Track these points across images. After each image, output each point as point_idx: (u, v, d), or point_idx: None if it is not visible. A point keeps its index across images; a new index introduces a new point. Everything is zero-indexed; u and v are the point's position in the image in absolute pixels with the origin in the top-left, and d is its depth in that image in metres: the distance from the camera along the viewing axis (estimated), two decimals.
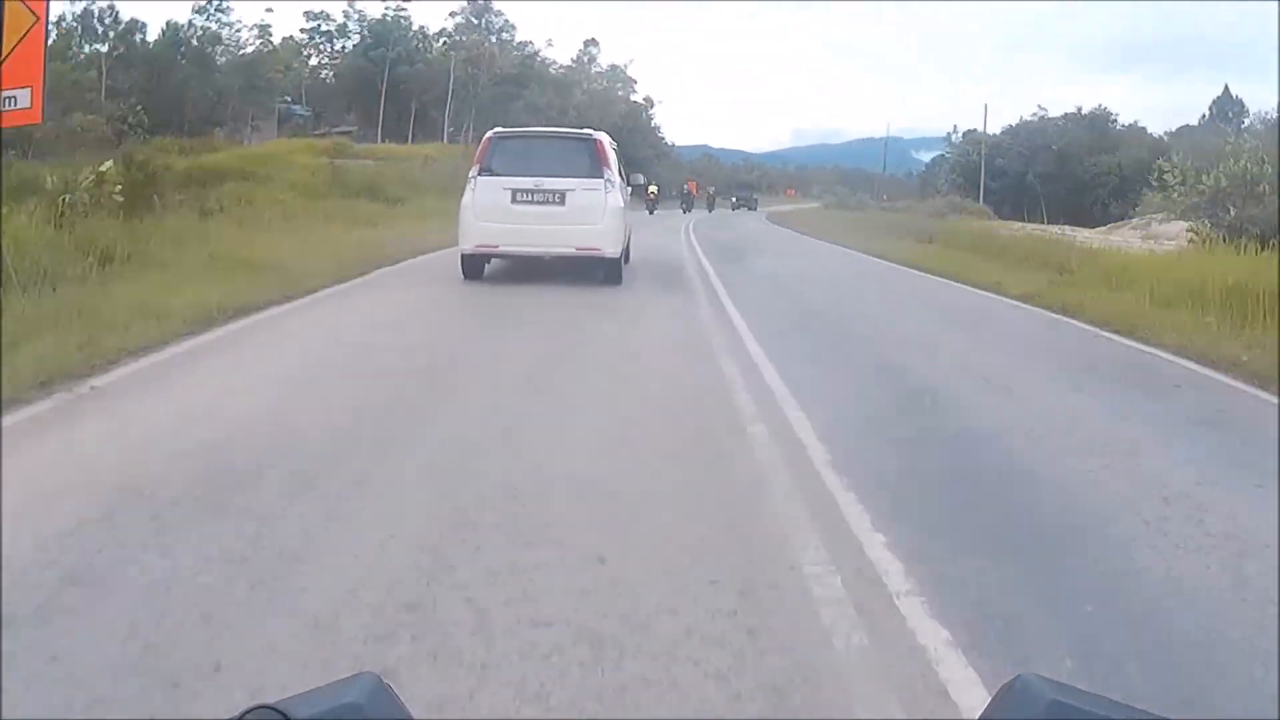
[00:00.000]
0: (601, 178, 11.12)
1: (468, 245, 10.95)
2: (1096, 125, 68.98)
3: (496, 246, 10.76)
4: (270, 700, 0.76)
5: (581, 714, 2.97)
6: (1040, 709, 0.79)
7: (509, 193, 10.97)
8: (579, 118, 30.23)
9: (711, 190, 62.02)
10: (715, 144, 68.22)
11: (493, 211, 10.76)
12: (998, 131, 68.72)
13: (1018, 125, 71.96)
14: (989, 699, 0.82)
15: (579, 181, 11.05)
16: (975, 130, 76.73)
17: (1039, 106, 64.66)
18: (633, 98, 39.72)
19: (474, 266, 10.83)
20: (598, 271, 11.05)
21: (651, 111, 42.22)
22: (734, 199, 71.52)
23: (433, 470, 4.36)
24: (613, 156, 10.92)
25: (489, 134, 11.45)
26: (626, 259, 11.20)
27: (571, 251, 10.86)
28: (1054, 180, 62.84)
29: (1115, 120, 73.76)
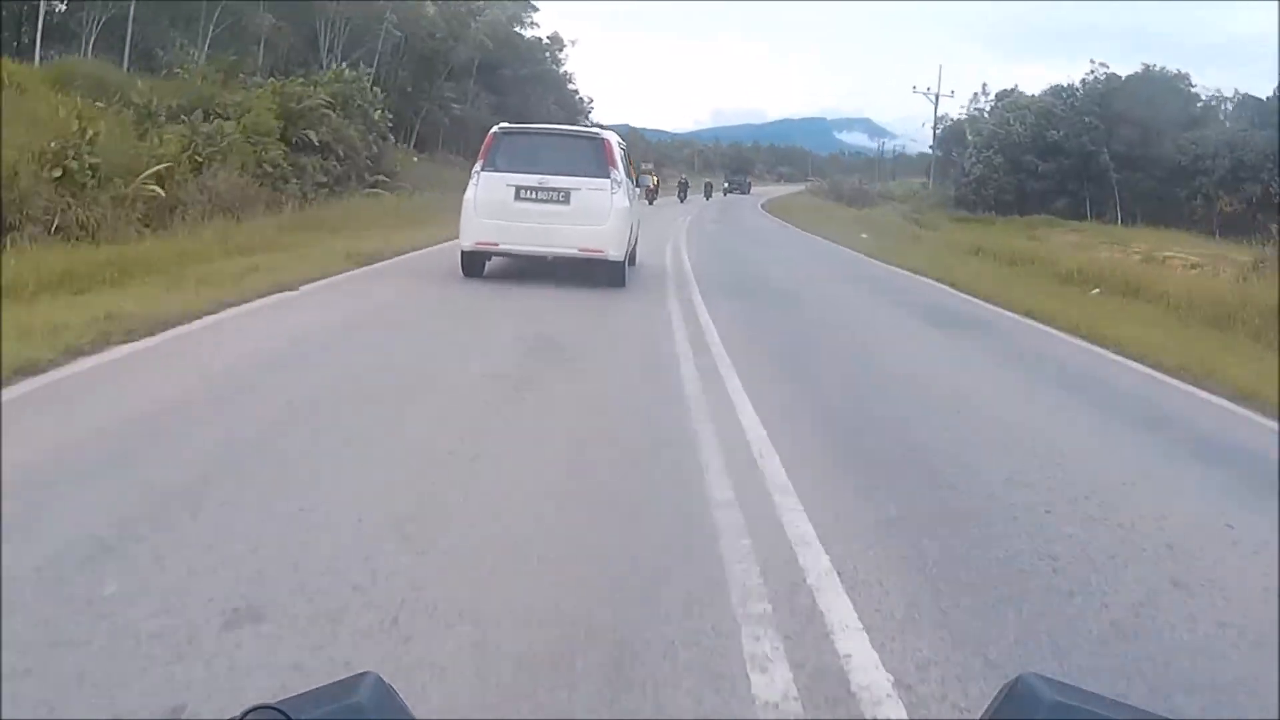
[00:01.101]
0: (608, 177, 10.29)
1: (468, 242, 10.24)
2: (1176, 91, 47.66)
3: (497, 244, 10.09)
4: (272, 701, 0.69)
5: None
6: (1042, 710, 0.71)
7: (512, 189, 10.12)
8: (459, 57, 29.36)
9: (708, 180, 61.75)
10: (637, 123, 67.49)
11: (494, 208, 9.98)
12: (1035, 93, 49.58)
13: (1072, 87, 52.25)
14: (990, 699, 0.79)
15: (585, 181, 10.21)
16: (1015, 90, 55.88)
17: (1095, 62, 52.66)
18: (533, 33, 39.99)
19: (474, 264, 10.26)
20: (600, 274, 10.17)
21: (562, 55, 42.79)
22: (726, 183, 67.16)
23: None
24: (620, 156, 10.44)
25: (494, 129, 10.64)
26: (632, 260, 10.53)
27: (574, 253, 10.09)
28: (1134, 164, 45.89)
29: (1193, 86, 49.18)
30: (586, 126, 27.68)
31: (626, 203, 9.86)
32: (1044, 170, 46.97)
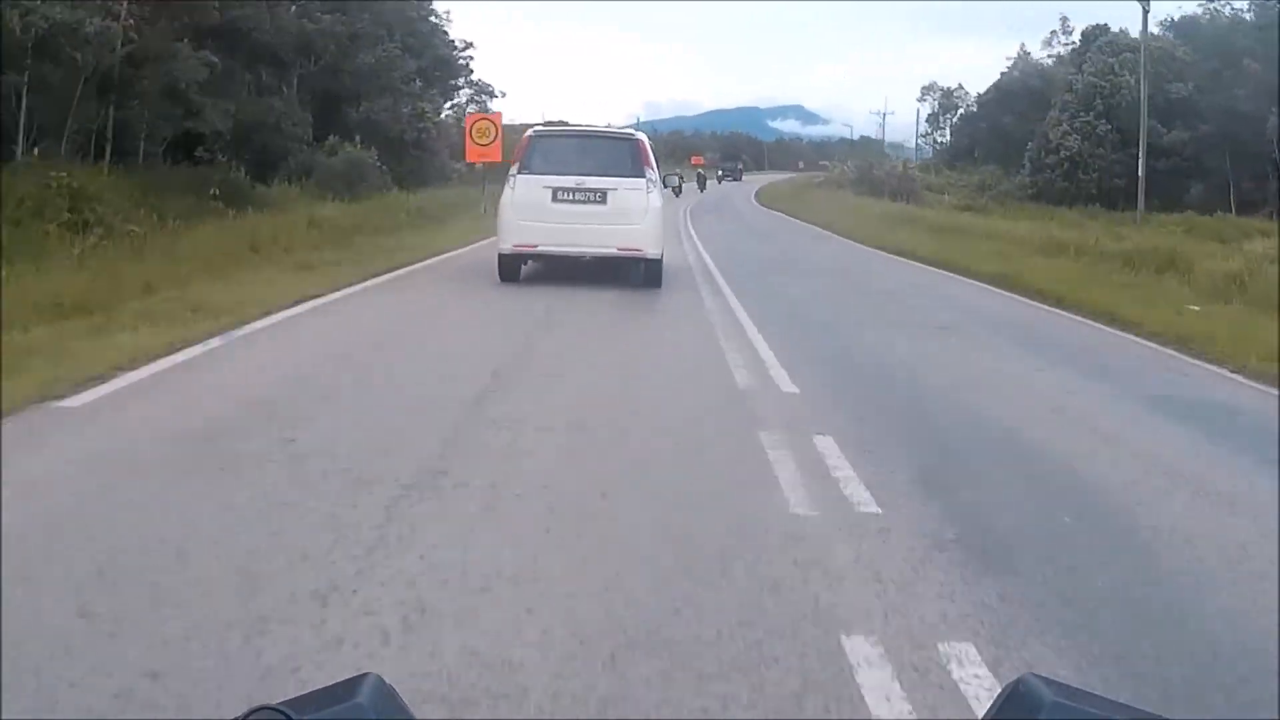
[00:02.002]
0: (644, 177, 10.64)
1: (506, 245, 10.68)
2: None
3: (536, 246, 10.55)
4: (274, 702, 0.66)
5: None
6: (1043, 711, 0.69)
7: (549, 191, 10.44)
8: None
9: (701, 170, 60.48)
10: (571, 118, 67.63)
11: (532, 210, 10.38)
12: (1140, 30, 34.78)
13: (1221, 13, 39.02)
14: (992, 698, 0.75)
15: (621, 181, 10.52)
16: (1109, 29, 42.93)
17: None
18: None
19: (511, 267, 10.87)
20: (636, 273, 10.78)
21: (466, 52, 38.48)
22: (719, 172, 69.67)
23: None
24: (652, 156, 11.05)
25: (529, 132, 11.31)
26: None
27: (613, 252, 10.57)
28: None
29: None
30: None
31: (660, 202, 10.41)
32: (1169, 142, 34.17)
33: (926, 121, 68.78)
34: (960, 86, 65.16)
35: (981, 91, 52.61)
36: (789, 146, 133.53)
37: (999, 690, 0.72)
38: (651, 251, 10.48)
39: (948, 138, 63.73)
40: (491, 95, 40.82)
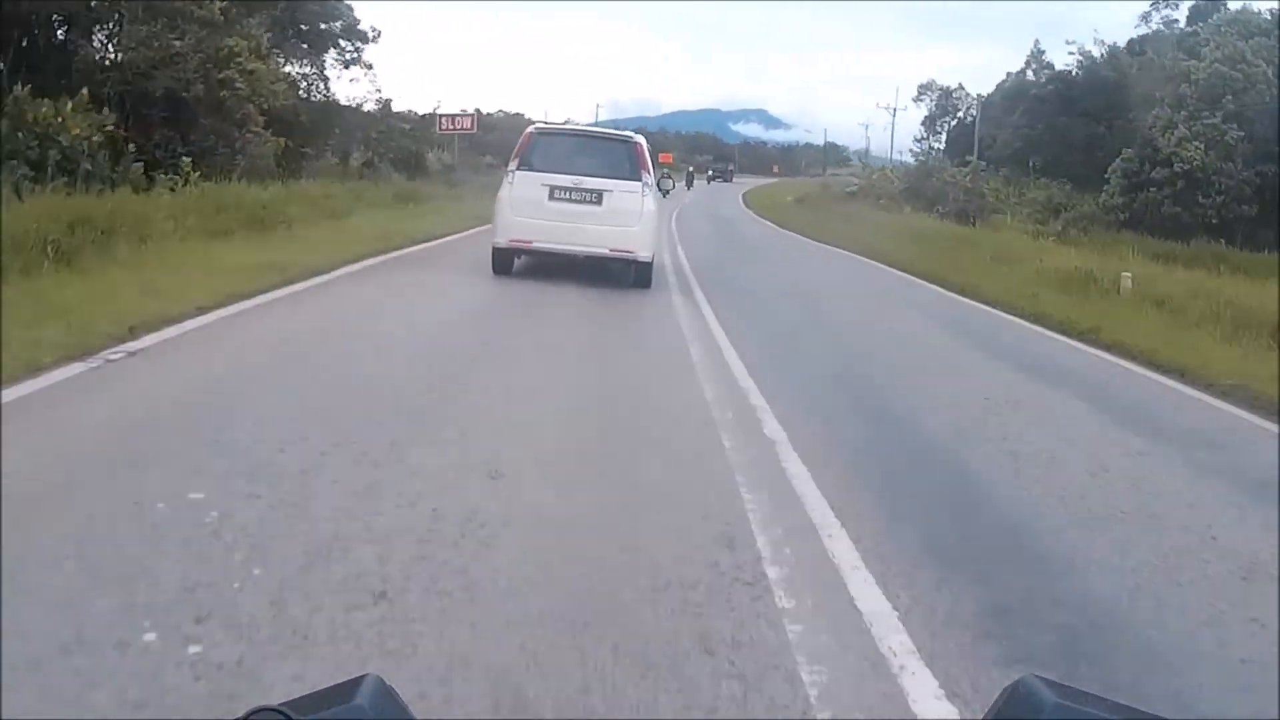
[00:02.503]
0: (640, 181, 10.62)
1: (501, 239, 10.72)
2: None
3: (530, 242, 10.63)
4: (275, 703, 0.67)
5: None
6: (1043, 712, 0.69)
7: (547, 189, 10.44)
8: None
9: (691, 169, 64.46)
10: (532, 114, 69.66)
11: (529, 207, 10.41)
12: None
13: None
14: (993, 700, 0.74)
15: (617, 183, 10.49)
16: (1226, 4, 36.52)
17: None
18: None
19: (504, 261, 10.99)
20: (626, 274, 10.97)
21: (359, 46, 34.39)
22: (710, 172, 72.59)
23: None
24: (650, 159, 11.18)
25: (530, 129, 11.30)
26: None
27: (605, 252, 10.60)
28: None
29: None
30: None
31: (655, 206, 11.65)
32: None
33: (922, 125, 62.89)
34: (960, 86, 60.65)
35: (985, 92, 48.15)
36: (756, 150, 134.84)
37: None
38: (643, 255, 10.95)
39: (942, 144, 58.31)
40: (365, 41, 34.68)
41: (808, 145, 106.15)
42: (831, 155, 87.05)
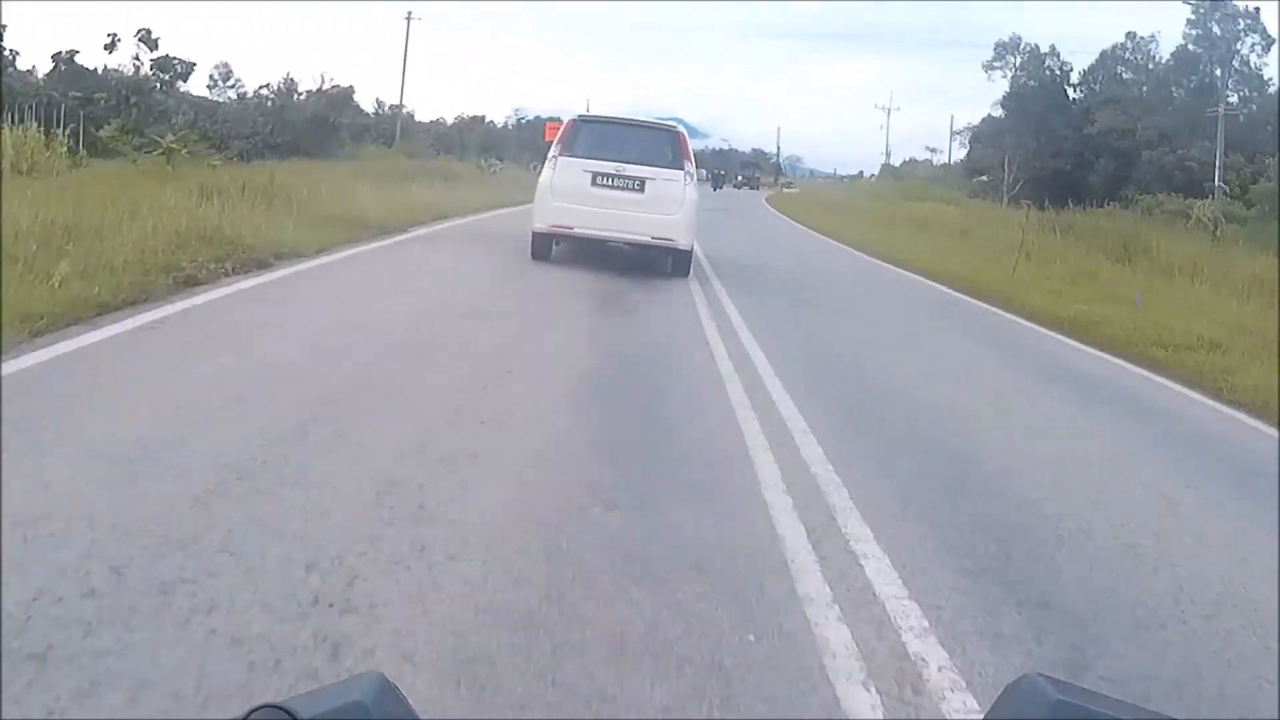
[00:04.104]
0: (682, 169, 10.64)
1: (541, 224, 10.66)
2: None
3: (571, 228, 10.56)
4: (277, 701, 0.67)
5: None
6: (1045, 709, 0.68)
7: (589, 175, 10.45)
8: None
9: (721, 171, 64.65)
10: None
11: (571, 192, 10.38)
12: None
13: None
14: (995, 698, 0.75)
15: (660, 171, 10.54)
16: None
17: None
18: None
19: (543, 246, 10.94)
20: (665, 262, 11.03)
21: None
22: (738, 178, 69.56)
23: None
24: (690, 150, 11.19)
25: (572, 117, 11.27)
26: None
27: (646, 239, 10.65)
28: None
29: None
30: None
31: (696, 195, 11.69)
32: None
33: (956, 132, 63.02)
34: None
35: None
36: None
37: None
38: (683, 242, 10.94)
39: (948, 157, 60.58)
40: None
41: (732, 151, 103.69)
42: (763, 163, 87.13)
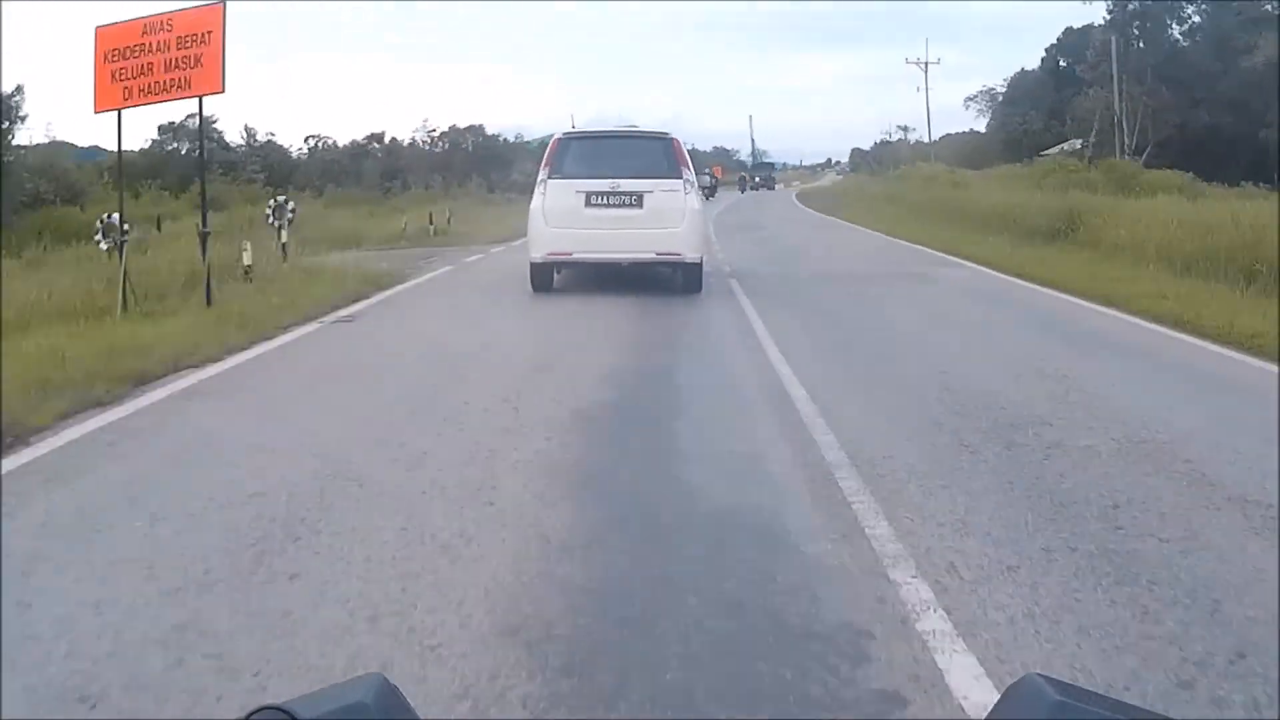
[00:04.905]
0: (680, 177, 10.16)
1: (538, 253, 10.31)
2: None
3: (570, 254, 10.20)
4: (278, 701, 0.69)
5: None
6: (1046, 710, 0.70)
7: (582, 196, 10.01)
8: None
9: (743, 174, 66.57)
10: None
11: (565, 216, 9.99)
12: None
13: None
14: (996, 698, 0.77)
15: (657, 183, 10.05)
16: None
17: None
18: None
19: (543, 276, 10.53)
20: (675, 279, 10.58)
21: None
22: (755, 179, 68.46)
23: None
24: (688, 155, 10.87)
25: (557, 135, 10.88)
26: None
27: (651, 257, 10.18)
28: None
29: None
30: None
31: (699, 203, 11.13)
32: None
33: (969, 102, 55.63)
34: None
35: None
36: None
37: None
38: (691, 256, 10.34)
39: (928, 135, 56.87)
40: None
41: (694, 151, 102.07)
42: (727, 160, 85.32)
